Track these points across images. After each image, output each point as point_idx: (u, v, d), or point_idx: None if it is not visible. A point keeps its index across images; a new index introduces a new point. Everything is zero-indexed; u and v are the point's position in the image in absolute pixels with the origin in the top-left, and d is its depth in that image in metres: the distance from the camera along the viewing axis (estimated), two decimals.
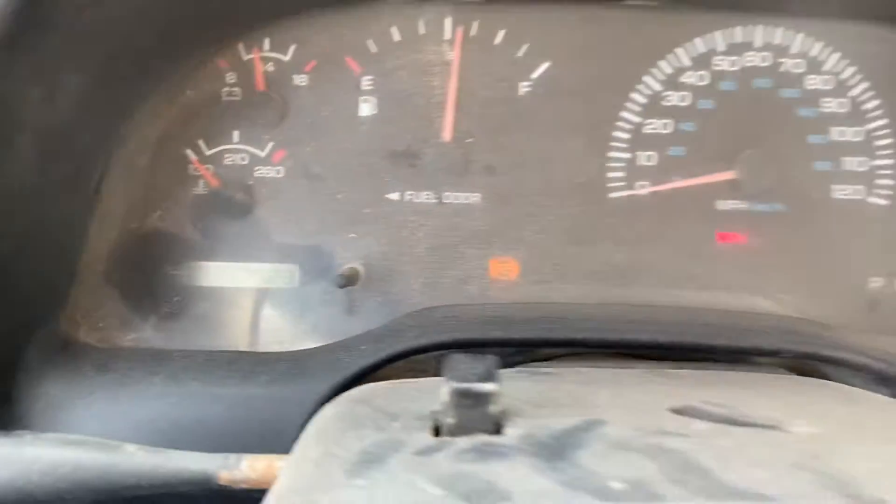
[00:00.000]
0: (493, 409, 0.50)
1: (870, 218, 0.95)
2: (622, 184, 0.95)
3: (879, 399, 0.65)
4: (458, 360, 0.53)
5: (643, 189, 0.94)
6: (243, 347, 0.92)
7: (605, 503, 0.41)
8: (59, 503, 0.55)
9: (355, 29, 0.93)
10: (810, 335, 0.80)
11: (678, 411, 0.55)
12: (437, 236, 0.94)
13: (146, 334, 0.90)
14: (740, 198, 0.94)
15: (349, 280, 0.86)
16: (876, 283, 0.95)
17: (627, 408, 0.56)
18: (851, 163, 0.94)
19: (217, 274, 0.93)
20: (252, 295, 0.93)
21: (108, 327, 0.88)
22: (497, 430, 0.51)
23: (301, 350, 0.81)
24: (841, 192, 0.95)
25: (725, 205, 0.94)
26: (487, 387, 0.50)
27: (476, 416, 0.51)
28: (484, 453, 0.47)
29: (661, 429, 0.51)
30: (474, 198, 0.95)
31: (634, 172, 0.94)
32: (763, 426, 0.52)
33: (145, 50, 0.84)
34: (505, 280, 0.95)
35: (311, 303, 0.93)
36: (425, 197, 0.94)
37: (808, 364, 0.82)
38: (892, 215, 0.94)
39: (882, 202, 0.94)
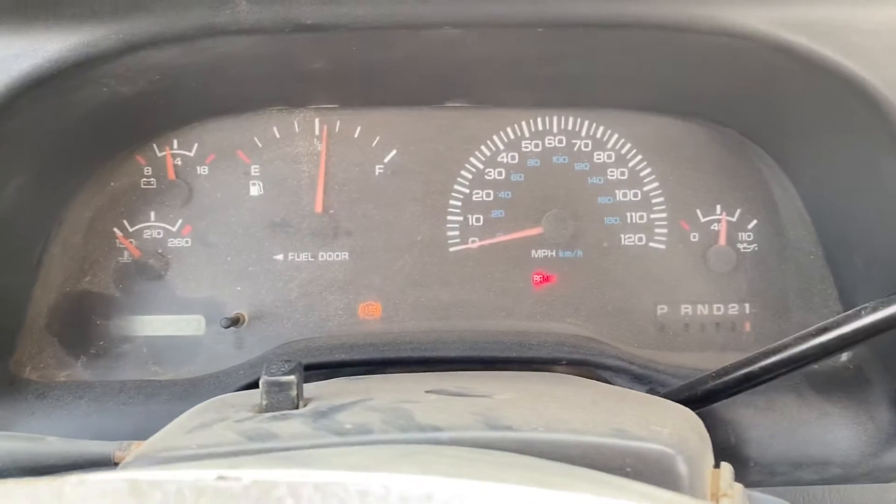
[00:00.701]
0: (292, 393, 0.75)
1: (652, 259, 1.21)
2: (458, 240, 1.21)
3: (593, 385, 0.90)
4: (274, 364, 0.78)
5: (474, 243, 1.21)
6: (152, 378, 1.14)
7: (334, 435, 0.65)
8: None
9: (244, 129, 1.19)
10: (580, 347, 1.06)
11: (429, 391, 0.80)
12: (307, 285, 1.19)
13: (77, 371, 1.13)
14: (548, 247, 1.21)
15: (233, 322, 1.11)
16: (662, 309, 1.21)
17: (397, 392, 0.81)
18: (633, 217, 1.21)
19: (136, 324, 1.17)
20: (162, 339, 1.17)
21: (48, 367, 1.11)
22: (295, 407, 0.75)
23: (195, 377, 1.06)
24: (628, 239, 1.21)
25: (538, 253, 1.21)
26: (286, 378, 0.75)
27: (282, 399, 0.75)
28: (277, 418, 0.72)
29: (405, 400, 0.76)
30: (343, 255, 1.20)
31: (466, 231, 1.21)
32: (478, 396, 0.77)
33: (77, 153, 1.10)
34: (370, 319, 1.20)
35: (209, 341, 1.17)
36: (304, 256, 1.20)
37: (590, 370, 1.08)
38: (668, 257, 1.21)
39: (660, 246, 1.21)
